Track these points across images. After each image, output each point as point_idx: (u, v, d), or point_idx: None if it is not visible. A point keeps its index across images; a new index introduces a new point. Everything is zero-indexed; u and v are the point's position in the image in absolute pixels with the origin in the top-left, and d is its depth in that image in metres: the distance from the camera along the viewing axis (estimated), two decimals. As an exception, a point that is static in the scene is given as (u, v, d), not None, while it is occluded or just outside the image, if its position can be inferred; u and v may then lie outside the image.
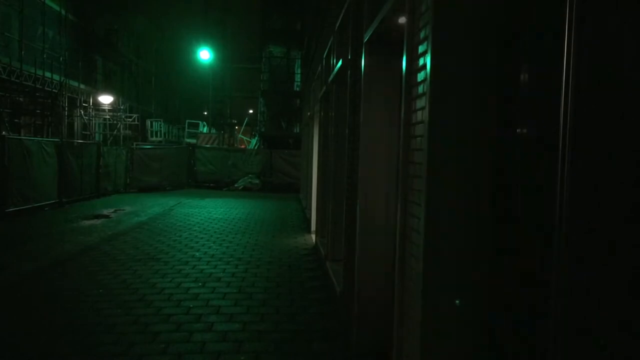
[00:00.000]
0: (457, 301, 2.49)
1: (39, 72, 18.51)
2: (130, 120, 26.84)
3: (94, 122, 24.74)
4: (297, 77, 27.69)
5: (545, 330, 1.87)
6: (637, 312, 1.47)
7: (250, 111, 40.92)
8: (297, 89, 27.45)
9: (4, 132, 14.23)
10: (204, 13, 35.91)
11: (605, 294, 1.61)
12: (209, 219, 12.95)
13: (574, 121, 1.67)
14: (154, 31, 37.85)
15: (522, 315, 2.22)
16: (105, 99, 24.47)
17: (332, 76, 7.08)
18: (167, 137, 34.70)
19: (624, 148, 1.55)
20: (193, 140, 30.92)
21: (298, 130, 26.04)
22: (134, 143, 24.23)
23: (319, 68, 9.75)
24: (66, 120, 21.28)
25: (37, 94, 19.40)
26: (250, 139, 36.73)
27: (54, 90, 19.77)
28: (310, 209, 11.30)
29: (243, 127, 39.09)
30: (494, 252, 2.48)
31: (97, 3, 26.98)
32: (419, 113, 2.72)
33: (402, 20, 3.42)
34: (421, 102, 2.68)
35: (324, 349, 4.74)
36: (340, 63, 6.24)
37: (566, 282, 1.70)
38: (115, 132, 25.13)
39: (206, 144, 28.98)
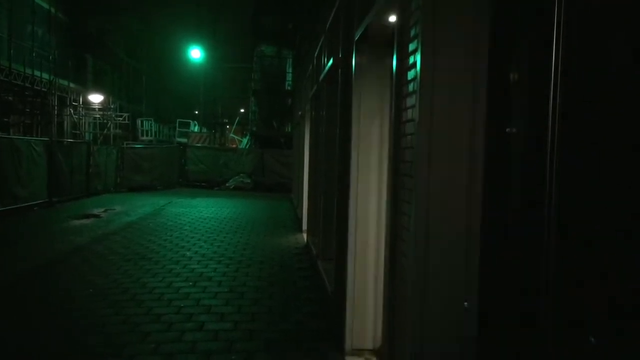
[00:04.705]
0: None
1: (28, 71, 18.34)
2: (121, 119, 26.64)
3: (84, 121, 24.51)
4: (289, 77, 27.63)
5: (540, 326, 1.88)
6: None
7: (242, 110, 40.78)
8: (289, 88, 27.38)
9: (-8, 131, 14.12)
10: (195, 12, 35.80)
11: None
12: (200, 218, 12.91)
13: (562, 119, 1.68)
14: (145, 30, 37.62)
15: (514, 311, 2.23)
16: (96, 98, 24.28)
17: (323, 75, 7.08)
18: (158, 136, 34.46)
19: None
20: (184, 140, 30.70)
21: (290, 130, 25.99)
22: (125, 142, 24.04)
23: (310, 67, 9.75)
24: (56, 120, 21.07)
25: (26, 93, 19.23)
26: (241, 138, 36.63)
27: (43, 89, 19.60)
28: (302, 208, 11.29)
29: (234, 127, 38.97)
30: (485, 249, 2.49)
31: (88, 2, 26.76)
32: (410, 111, 2.73)
33: (392, 18, 3.42)
34: (411, 101, 2.68)
35: (316, 348, 4.74)
36: (331, 62, 6.23)
37: (558, 277, 1.71)
38: (105, 132, 24.94)
39: (197, 143, 28.80)
